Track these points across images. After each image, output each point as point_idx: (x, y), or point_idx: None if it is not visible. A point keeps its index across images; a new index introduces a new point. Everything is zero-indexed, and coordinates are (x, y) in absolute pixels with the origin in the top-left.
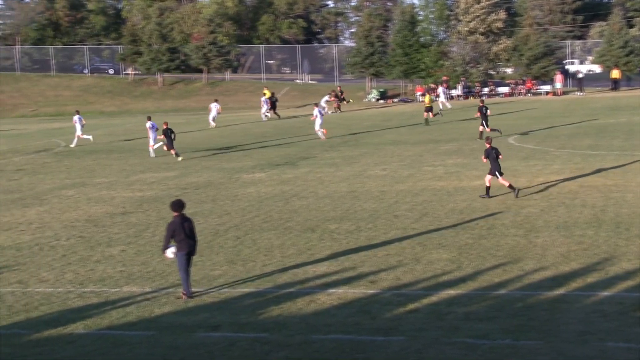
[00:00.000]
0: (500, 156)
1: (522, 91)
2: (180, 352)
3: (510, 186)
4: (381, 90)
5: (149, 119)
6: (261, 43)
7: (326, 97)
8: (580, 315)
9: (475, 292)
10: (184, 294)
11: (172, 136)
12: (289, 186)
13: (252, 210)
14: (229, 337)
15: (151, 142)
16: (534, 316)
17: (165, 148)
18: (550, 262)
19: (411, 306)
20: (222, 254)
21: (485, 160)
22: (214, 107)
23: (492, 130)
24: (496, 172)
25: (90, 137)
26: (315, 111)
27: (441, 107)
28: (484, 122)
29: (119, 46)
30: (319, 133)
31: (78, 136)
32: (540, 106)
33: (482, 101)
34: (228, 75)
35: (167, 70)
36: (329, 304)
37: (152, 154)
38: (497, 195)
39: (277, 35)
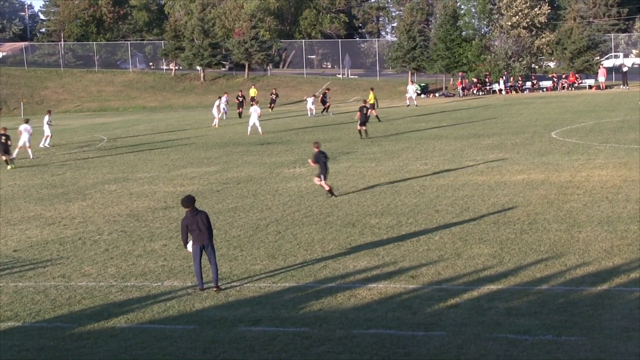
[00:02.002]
0: (328, 160)
1: (565, 85)
2: (221, 346)
3: (330, 191)
4: (422, 84)
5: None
6: (303, 38)
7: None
8: (624, 311)
9: (517, 287)
10: (216, 287)
11: (8, 142)
12: (330, 181)
13: (293, 205)
14: (269, 331)
15: None
16: (577, 312)
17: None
18: (593, 257)
19: (452, 301)
20: (263, 248)
21: (314, 164)
22: (223, 104)
23: (362, 130)
24: (323, 176)
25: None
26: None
27: (408, 103)
28: (361, 121)
29: (161, 42)
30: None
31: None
32: (583, 100)
33: (365, 102)
34: (269, 70)
35: (208, 65)
36: (369, 299)
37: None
38: (531, 190)
39: (318, 30)
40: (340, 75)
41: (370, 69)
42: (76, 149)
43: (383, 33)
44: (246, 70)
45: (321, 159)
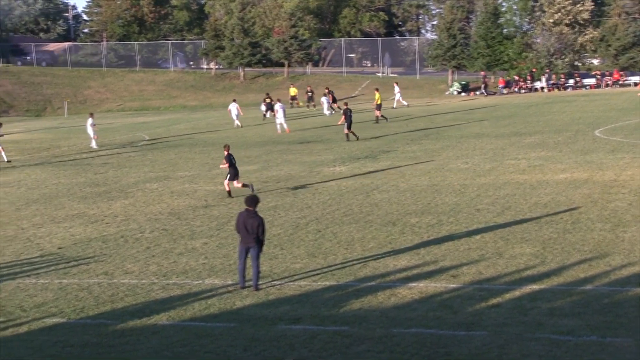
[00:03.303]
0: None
1: (609, 82)
2: (261, 344)
3: (229, 193)
4: (463, 82)
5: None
6: (342, 36)
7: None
8: None
9: (560, 287)
10: (254, 289)
11: None
12: (370, 179)
13: (333, 204)
14: (309, 329)
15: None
16: (622, 313)
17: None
18: (639, 257)
19: (493, 301)
20: (303, 247)
21: (224, 166)
22: (234, 107)
23: (350, 133)
24: (229, 177)
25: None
26: (277, 106)
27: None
28: (347, 124)
29: (201, 41)
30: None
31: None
32: (628, 97)
33: (346, 104)
34: (309, 69)
35: (248, 65)
36: (410, 298)
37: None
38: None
39: (358, 28)
40: (380, 74)
41: (409, 67)
42: (118, 147)
43: (423, 31)
44: (286, 69)
45: (231, 161)
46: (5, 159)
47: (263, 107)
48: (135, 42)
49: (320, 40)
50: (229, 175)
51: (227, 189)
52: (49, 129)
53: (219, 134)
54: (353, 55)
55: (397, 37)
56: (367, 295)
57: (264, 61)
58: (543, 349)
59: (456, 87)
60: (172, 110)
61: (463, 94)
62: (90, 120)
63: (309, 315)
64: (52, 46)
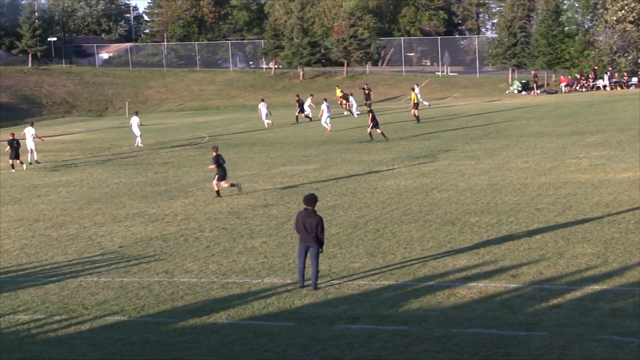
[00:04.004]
0: (224, 163)
1: None
2: (320, 343)
3: (218, 193)
4: (523, 81)
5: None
6: (402, 35)
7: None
8: None
9: (622, 288)
10: (313, 288)
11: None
12: (429, 179)
13: (392, 203)
14: (368, 329)
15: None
16: None
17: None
18: None
19: (554, 301)
20: (362, 246)
21: (212, 167)
22: (263, 107)
23: (380, 133)
24: (218, 177)
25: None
26: (323, 106)
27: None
28: (372, 124)
29: (261, 41)
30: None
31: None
32: None
33: (370, 105)
34: (368, 68)
35: (307, 64)
36: (469, 298)
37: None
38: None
39: (417, 27)
40: (440, 73)
41: (469, 66)
42: (178, 147)
43: (483, 29)
44: (345, 68)
45: (219, 161)
46: (30, 161)
47: (307, 108)
48: (196, 42)
49: (380, 40)
50: (217, 176)
51: (216, 189)
52: (110, 128)
53: (278, 134)
54: (412, 54)
55: (457, 36)
56: (426, 295)
57: (323, 61)
58: (605, 350)
59: (516, 85)
60: (231, 110)
61: (523, 92)
62: (137, 119)
63: (367, 315)
64: (114, 47)
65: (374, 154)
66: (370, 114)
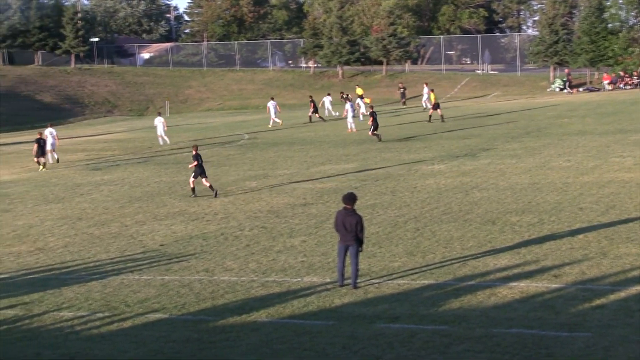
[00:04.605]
0: (202, 162)
1: None
2: (360, 342)
3: (193, 190)
4: (564, 79)
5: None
6: (441, 34)
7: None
8: None
9: None
10: (353, 287)
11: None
12: (469, 178)
13: (432, 202)
14: (408, 328)
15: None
16: None
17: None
18: None
19: (597, 302)
20: (402, 245)
21: (192, 165)
22: (272, 105)
23: (373, 134)
24: (199, 175)
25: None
26: (347, 105)
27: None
28: (373, 126)
29: (300, 40)
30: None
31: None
32: None
33: (372, 107)
34: (407, 66)
35: (347, 63)
36: (510, 298)
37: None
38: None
39: (457, 25)
40: (480, 71)
41: (510, 64)
42: (218, 146)
43: (524, 27)
44: (384, 67)
45: (199, 160)
46: (49, 162)
47: (328, 106)
48: (235, 42)
49: (419, 38)
50: (193, 173)
51: (192, 186)
52: (151, 128)
53: (317, 132)
54: (452, 52)
55: (497, 34)
56: (467, 295)
57: (362, 59)
58: None
59: (558, 83)
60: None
61: (565, 90)
62: (161, 119)
63: (407, 314)
64: (155, 47)
65: (413, 153)
66: (372, 117)
